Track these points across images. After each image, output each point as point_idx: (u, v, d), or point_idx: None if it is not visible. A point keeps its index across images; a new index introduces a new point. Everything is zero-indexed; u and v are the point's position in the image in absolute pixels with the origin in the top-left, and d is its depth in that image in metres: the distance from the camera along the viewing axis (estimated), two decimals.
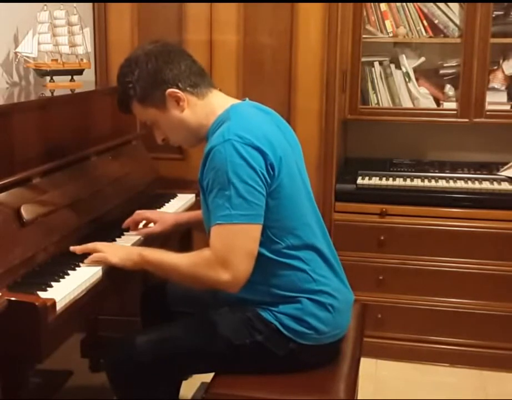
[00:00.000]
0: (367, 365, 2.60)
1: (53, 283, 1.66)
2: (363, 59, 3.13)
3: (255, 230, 1.70)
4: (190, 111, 1.84)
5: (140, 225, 2.17)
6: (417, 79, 3.18)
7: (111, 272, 1.82)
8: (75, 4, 2.60)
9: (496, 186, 2.97)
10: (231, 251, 1.67)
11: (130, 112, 1.90)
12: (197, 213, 2.18)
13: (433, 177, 3.07)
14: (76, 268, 1.78)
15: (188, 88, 1.83)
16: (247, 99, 1.93)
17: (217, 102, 1.87)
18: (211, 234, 1.71)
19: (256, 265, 1.73)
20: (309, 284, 1.81)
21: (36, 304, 1.49)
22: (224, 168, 1.67)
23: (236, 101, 1.89)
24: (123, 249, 1.89)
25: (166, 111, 1.84)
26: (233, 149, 1.68)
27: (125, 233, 2.12)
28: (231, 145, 1.68)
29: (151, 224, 2.17)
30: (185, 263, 1.75)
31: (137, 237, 2.09)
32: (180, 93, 1.82)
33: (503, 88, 3.13)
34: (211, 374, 1.85)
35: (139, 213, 2.17)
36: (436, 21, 3.07)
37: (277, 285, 1.81)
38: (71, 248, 1.86)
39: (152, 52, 1.84)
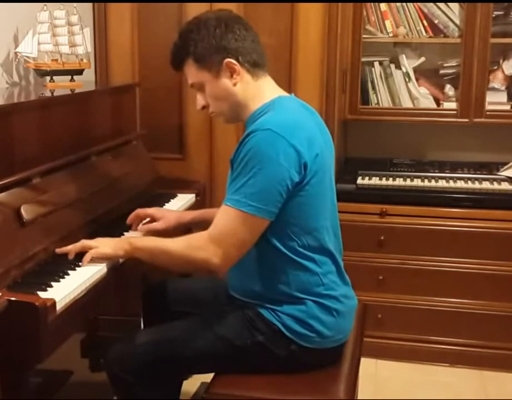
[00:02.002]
0: (367, 365, 2.60)
1: (53, 283, 1.66)
2: (363, 59, 3.13)
3: (258, 224, 1.70)
4: (241, 87, 1.81)
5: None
6: (417, 79, 3.18)
7: (112, 272, 1.82)
8: (75, 4, 2.60)
9: (496, 186, 2.97)
10: (227, 233, 1.69)
11: (180, 69, 1.87)
12: (201, 212, 2.18)
13: (433, 177, 3.06)
14: (76, 268, 1.78)
15: (246, 64, 1.81)
16: (293, 94, 1.92)
17: (267, 89, 1.85)
18: (218, 211, 1.73)
19: (269, 258, 1.75)
20: (318, 287, 1.80)
21: (36, 304, 1.49)
22: (253, 154, 1.67)
23: (285, 93, 1.88)
24: (111, 240, 1.90)
25: (218, 79, 1.81)
26: (270, 140, 1.67)
27: (125, 233, 2.11)
28: (269, 135, 1.67)
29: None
30: (176, 245, 1.76)
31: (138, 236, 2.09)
32: (238, 66, 1.79)
33: (503, 88, 3.13)
34: (211, 374, 1.85)
35: (142, 210, 2.17)
36: (436, 21, 3.07)
37: (286, 283, 1.79)
38: (57, 250, 1.85)
39: (223, 18, 1.82)
